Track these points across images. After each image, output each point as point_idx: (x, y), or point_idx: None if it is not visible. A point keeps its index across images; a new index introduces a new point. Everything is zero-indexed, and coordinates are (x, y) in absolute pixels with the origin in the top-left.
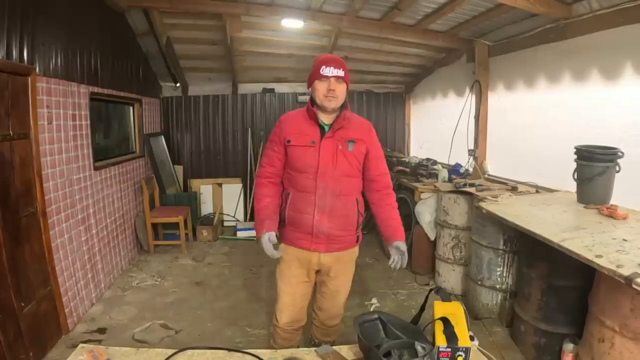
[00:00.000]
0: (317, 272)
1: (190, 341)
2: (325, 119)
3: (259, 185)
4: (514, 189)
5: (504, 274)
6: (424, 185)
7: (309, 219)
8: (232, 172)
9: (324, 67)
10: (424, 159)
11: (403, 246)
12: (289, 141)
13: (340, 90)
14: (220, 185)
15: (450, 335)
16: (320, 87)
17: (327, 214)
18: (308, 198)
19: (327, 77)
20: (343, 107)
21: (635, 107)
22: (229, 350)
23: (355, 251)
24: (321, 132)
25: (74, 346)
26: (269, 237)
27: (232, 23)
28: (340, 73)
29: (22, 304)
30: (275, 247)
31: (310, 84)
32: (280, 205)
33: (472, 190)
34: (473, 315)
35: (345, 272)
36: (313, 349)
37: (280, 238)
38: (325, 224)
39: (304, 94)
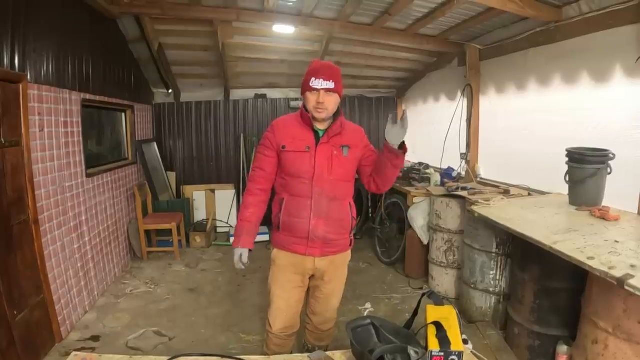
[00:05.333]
0: (311, 276)
1: (184, 348)
2: (320, 125)
3: (247, 191)
4: (506, 192)
5: (497, 277)
6: (416, 189)
7: (304, 223)
8: (225, 178)
9: (313, 79)
10: (416, 163)
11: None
12: (283, 147)
13: (331, 102)
14: (213, 191)
15: (443, 339)
16: (311, 98)
17: (323, 218)
18: (304, 203)
19: (316, 89)
20: (337, 113)
21: (626, 108)
22: (223, 357)
23: (348, 255)
24: (315, 137)
25: (67, 354)
26: (241, 254)
27: (223, 29)
28: (330, 85)
29: (15, 312)
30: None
31: (302, 92)
32: (274, 211)
33: (464, 194)
34: (467, 318)
35: (339, 275)
36: (307, 354)
37: (273, 243)
38: (322, 228)
39: (296, 99)
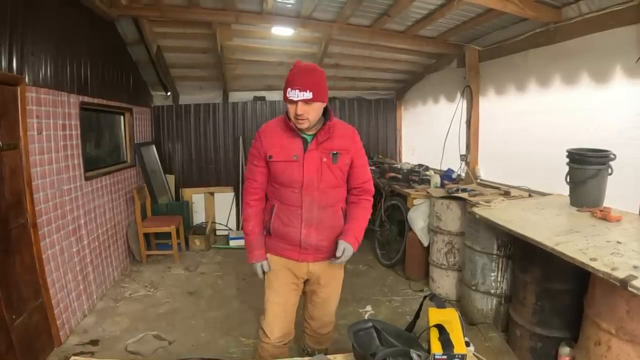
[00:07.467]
0: (306, 281)
1: (183, 352)
2: (307, 130)
3: (245, 204)
4: (506, 194)
5: (499, 279)
6: (416, 191)
7: (296, 232)
8: (224, 180)
9: (289, 89)
10: (416, 165)
11: (348, 249)
12: (270, 157)
13: (310, 111)
14: (212, 194)
15: (446, 342)
16: (290, 108)
17: (314, 227)
18: (294, 211)
19: (293, 101)
20: (326, 116)
21: (627, 109)
22: None
23: None
24: (303, 143)
25: (66, 359)
26: (262, 266)
27: (222, 31)
28: (307, 96)
29: (14, 317)
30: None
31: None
32: (265, 217)
33: (464, 195)
34: (468, 320)
35: (335, 279)
36: (307, 358)
37: (267, 248)
38: (314, 236)
39: None
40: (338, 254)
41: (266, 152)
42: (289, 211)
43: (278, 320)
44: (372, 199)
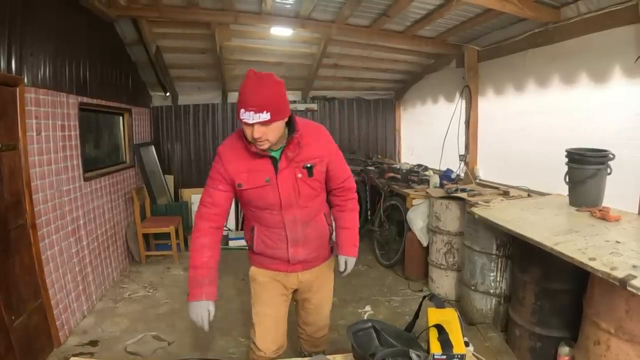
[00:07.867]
0: (296, 290)
1: (183, 352)
2: (272, 146)
3: (198, 230)
4: (505, 194)
5: (498, 279)
6: (415, 191)
7: (282, 252)
8: None
9: (243, 110)
10: (415, 165)
11: (350, 261)
12: (239, 185)
13: (269, 132)
14: None
15: (445, 342)
16: (246, 130)
17: (301, 244)
18: (277, 233)
19: (248, 124)
20: (291, 127)
21: (625, 109)
22: None
23: (331, 260)
24: (272, 162)
25: (66, 359)
26: (207, 307)
27: (221, 32)
28: (264, 117)
29: (13, 317)
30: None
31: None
32: (246, 235)
33: (463, 195)
34: (467, 320)
35: (327, 282)
36: (307, 359)
37: (251, 261)
38: (301, 252)
39: (293, 102)
40: (341, 269)
41: (233, 179)
42: (271, 233)
43: (271, 333)
44: (356, 196)
